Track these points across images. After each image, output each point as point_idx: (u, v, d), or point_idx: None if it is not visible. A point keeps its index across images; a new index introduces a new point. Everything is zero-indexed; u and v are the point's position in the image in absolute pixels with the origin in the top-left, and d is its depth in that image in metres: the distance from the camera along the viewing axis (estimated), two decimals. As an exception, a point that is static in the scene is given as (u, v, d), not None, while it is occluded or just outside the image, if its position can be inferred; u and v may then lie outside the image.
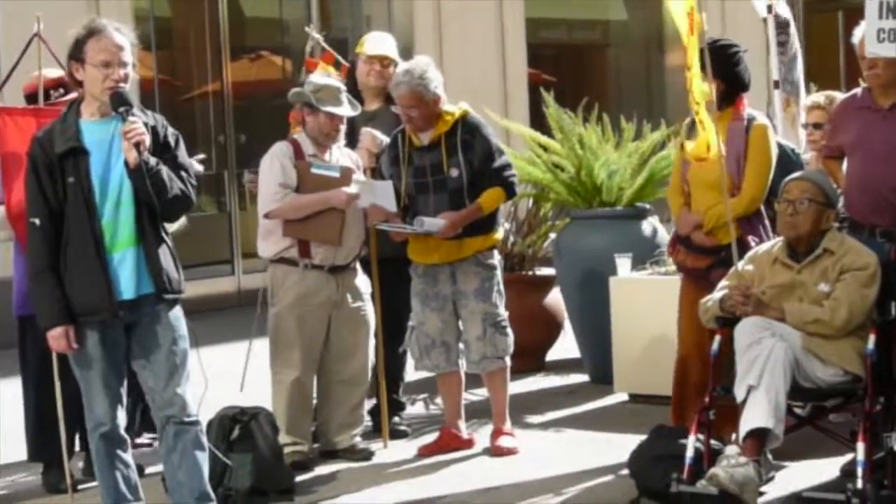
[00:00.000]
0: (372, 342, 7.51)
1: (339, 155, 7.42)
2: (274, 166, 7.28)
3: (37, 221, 5.49)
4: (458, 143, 7.26)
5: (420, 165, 7.31)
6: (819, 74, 17.27)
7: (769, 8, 7.84)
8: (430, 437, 7.71)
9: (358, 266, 7.45)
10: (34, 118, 6.81)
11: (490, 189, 7.26)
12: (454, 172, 7.25)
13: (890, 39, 6.35)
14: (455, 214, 7.19)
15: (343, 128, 7.38)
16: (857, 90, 6.90)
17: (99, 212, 5.44)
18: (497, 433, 7.50)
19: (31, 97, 7.21)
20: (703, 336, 6.65)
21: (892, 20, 6.33)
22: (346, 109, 7.34)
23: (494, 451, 7.41)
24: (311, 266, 7.25)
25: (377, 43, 8.02)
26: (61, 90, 7.06)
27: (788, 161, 7.18)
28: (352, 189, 7.21)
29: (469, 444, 7.56)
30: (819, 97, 7.79)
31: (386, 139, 7.70)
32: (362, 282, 7.44)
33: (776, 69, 8.02)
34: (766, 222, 6.88)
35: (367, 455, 7.42)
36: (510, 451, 7.39)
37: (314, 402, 7.49)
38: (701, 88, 6.53)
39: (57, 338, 5.50)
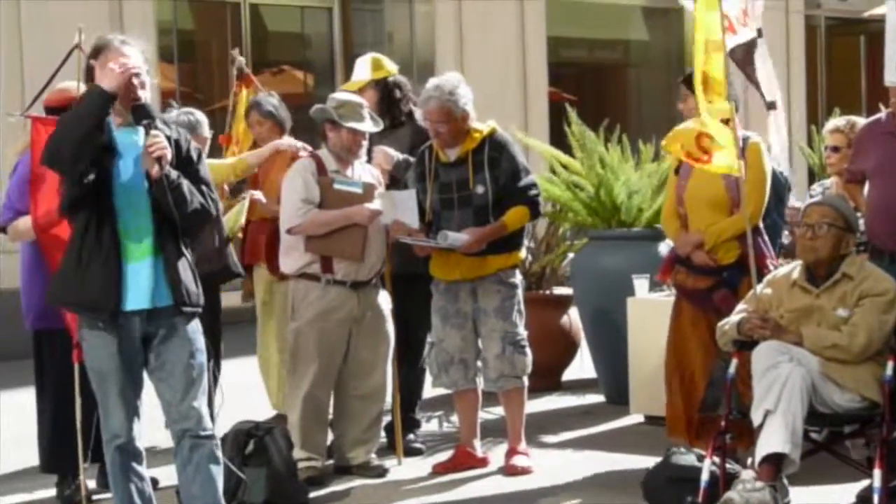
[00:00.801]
0: (390, 359, 7.52)
1: (362, 171, 7.43)
2: (296, 182, 7.29)
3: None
4: (485, 160, 7.26)
5: (446, 181, 7.32)
6: (840, 98, 17.30)
7: (759, 31, 7.82)
8: (444, 455, 7.70)
9: (380, 282, 7.45)
10: None
11: (515, 207, 7.26)
12: (480, 189, 7.25)
13: None
14: (479, 230, 7.18)
15: (365, 143, 7.39)
16: (881, 115, 6.91)
17: (120, 216, 5.45)
18: (512, 452, 7.49)
19: (51, 110, 7.22)
20: (697, 356, 6.70)
21: None
22: (367, 125, 7.35)
23: (509, 471, 7.39)
24: (333, 282, 7.25)
25: (355, 75, 8.11)
26: None
27: (778, 184, 7.24)
28: (374, 205, 7.22)
29: (484, 462, 7.55)
30: (840, 121, 7.80)
31: (398, 155, 7.71)
32: (384, 298, 7.45)
33: (768, 90, 8.00)
34: (766, 238, 6.92)
35: (381, 472, 7.41)
36: (524, 471, 7.37)
37: (329, 417, 7.49)
38: (724, 105, 6.56)
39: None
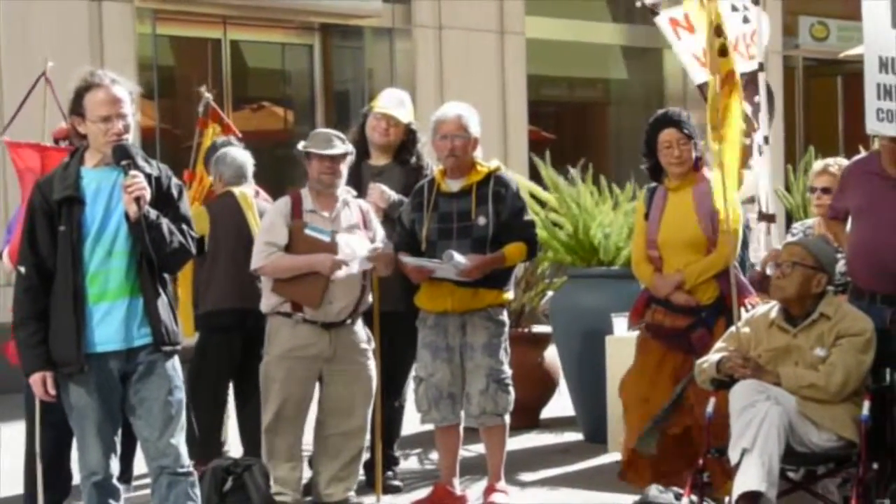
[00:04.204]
0: (372, 398, 7.51)
1: (347, 211, 7.37)
2: (266, 223, 7.39)
3: (22, 269, 5.56)
4: (490, 194, 7.30)
5: (446, 211, 7.34)
6: (818, 138, 17.41)
7: (761, 66, 7.93)
8: (423, 493, 7.68)
9: (359, 322, 7.43)
10: (38, 154, 6.88)
11: (515, 243, 7.29)
12: (481, 220, 7.27)
13: (889, 119, 6.57)
14: (480, 257, 7.19)
15: (341, 171, 7.32)
16: (865, 154, 7.00)
17: (87, 262, 5.48)
18: (490, 490, 7.48)
19: (56, 141, 7.28)
20: (662, 395, 6.78)
21: (889, 101, 6.56)
22: (334, 150, 7.29)
23: None
24: (303, 320, 7.26)
25: (389, 101, 8.04)
26: (68, 141, 7.11)
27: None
28: (339, 256, 7.18)
29: (462, 500, 7.53)
30: (830, 161, 7.84)
31: (394, 195, 7.72)
32: (361, 337, 7.43)
33: (765, 126, 8.09)
34: (742, 277, 6.97)
35: None
36: None
37: (304, 454, 7.47)
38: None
39: (36, 384, 5.54)
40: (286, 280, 7.24)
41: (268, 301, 7.36)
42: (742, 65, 7.56)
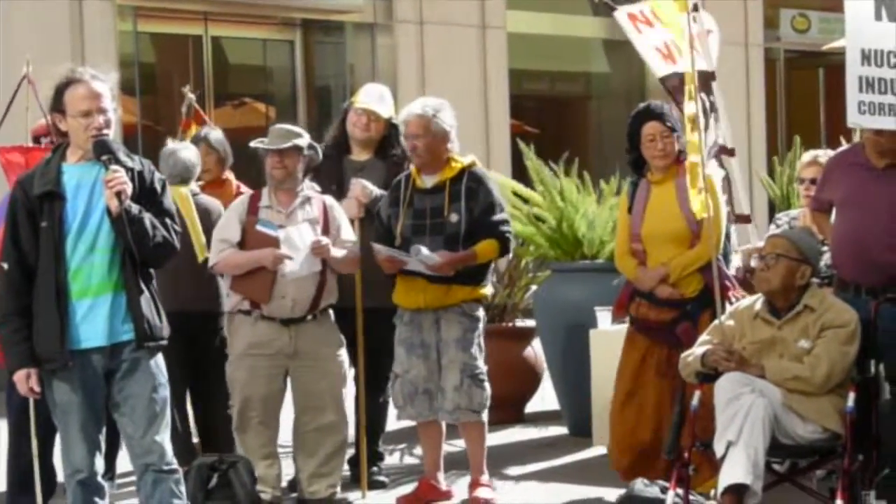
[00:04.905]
0: (348, 392, 7.49)
1: (307, 207, 7.31)
2: (222, 220, 7.43)
3: (5, 265, 5.53)
4: (463, 190, 7.27)
5: (420, 208, 7.32)
6: (800, 129, 17.42)
7: (712, 74, 7.91)
8: (408, 488, 7.68)
9: (327, 316, 7.37)
10: (23, 156, 6.86)
11: (487, 240, 7.26)
12: (454, 217, 7.26)
13: (870, 112, 6.57)
14: (450, 254, 7.17)
15: (291, 166, 7.25)
16: (849, 145, 7.00)
17: (69, 257, 5.46)
18: (475, 484, 7.47)
19: (36, 140, 7.25)
20: (650, 388, 6.84)
21: (871, 94, 6.54)
22: (280, 145, 7.23)
23: (472, 503, 7.38)
24: (262, 317, 7.25)
25: (370, 97, 8.01)
26: (50, 138, 7.07)
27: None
28: (282, 251, 7.14)
29: (447, 495, 7.53)
30: (818, 152, 7.86)
31: (376, 190, 7.70)
32: (326, 333, 7.38)
33: (727, 135, 8.07)
34: (727, 269, 6.98)
35: None
36: (487, 503, 7.36)
37: (285, 450, 7.46)
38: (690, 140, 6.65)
39: (20, 381, 5.52)
40: (239, 277, 7.25)
41: (229, 300, 7.39)
42: (699, 62, 7.49)
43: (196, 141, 8.47)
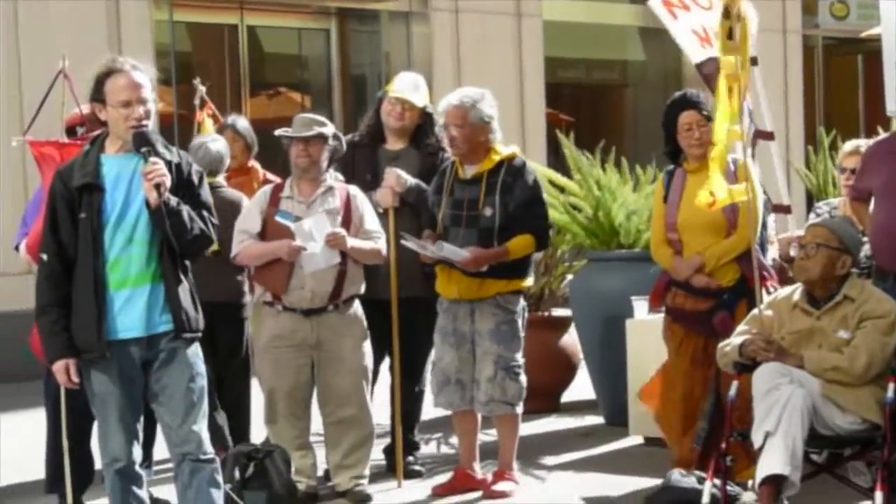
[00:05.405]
0: (383, 384, 7.48)
1: (329, 197, 7.27)
2: (244, 211, 7.43)
3: (44, 257, 5.56)
4: (499, 184, 7.24)
5: (459, 198, 7.31)
6: (838, 118, 17.34)
7: (754, 60, 7.83)
8: (444, 477, 7.67)
9: (351, 306, 7.32)
10: (58, 151, 6.88)
11: (521, 235, 7.22)
12: (488, 211, 7.23)
13: None
14: (481, 251, 7.15)
15: (316, 155, 7.22)
16: (888, 134, 6.94)
17: (107, 249, 5.48)
18: (498, 476, 7.45)
19: (70, 130, 7.28)
20: (690, 377, 6.84)
21: None
22: (305, 133, 7.20)
23: (486, 493, 7.36)
24: (284, 308, 7.25)
25: (404, 85, 7.98)
26: (85, 127, 7.09)
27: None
28: (296, 242, 7.12)
29: (483, 484, 7.51)
30: (860, 142, 7.79)
31: (411, 179, 7.68)
32: (350, 323, 7.32)
33: (766, 119, 8.00)
34: (763, 259, 6.92)
35: (364, 498, 7.30)
36: (502, 495, 7.33)
37: (309, 440, 7.47)
38: (731, 129, 6.58)
39: (59, 371, 5.54)
40: (260, 268, 7.27)
41: (255, 292, 7.42)
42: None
43: (223, 128, 8.52)
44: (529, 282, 7.55)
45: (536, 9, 16.65)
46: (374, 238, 7.30)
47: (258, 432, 7.90)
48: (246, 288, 7.69)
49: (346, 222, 7.26)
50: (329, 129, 7.32)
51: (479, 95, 7.33)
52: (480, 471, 7.60)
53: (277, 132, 7.35)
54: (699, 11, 7.63)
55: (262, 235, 7.26)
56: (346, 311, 7.31)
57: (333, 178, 7.42)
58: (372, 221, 7.35)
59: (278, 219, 7.23)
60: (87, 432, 6.87)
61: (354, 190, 7.44)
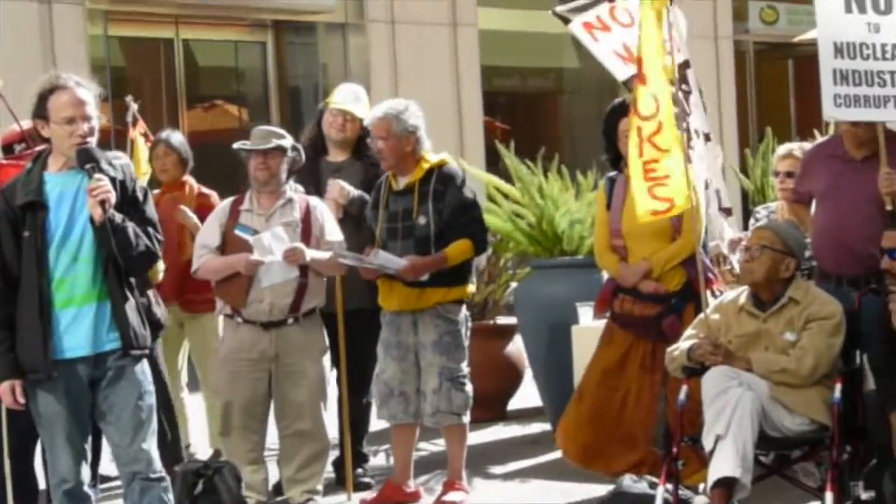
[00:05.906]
0: (330, 397, 7.45)
1: (288, 209, 7.26)
2: (204, 225, 7.45)
3: None
4: (430, 192, 7.24)
5: (394, 210, 7.30)
6: (770, 121, 17.47)
7: (686, 63, 7.86)
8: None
9: (311, 320, 7.31)
10: None
11: (458, 241, 7.22)
12: (422, 220, 7.23)
13: (846, 104, 6.59)
14: (418, 259, 7.15)
15: (275, 167, 7.21)
16: (828, 137, 7.01)
17: (52, 267, 5.43)
18: (448, 486, 7.44)
19: (6, 148, 7.19)
20: (634, 382, 6.91)
21: (846, 86, 6.56)
22: (263, 145, 7.20)
23: None
24: (244, 321, 7.23)
25: (345, 97, 7.98)
26: (24, 144, 7.02)
27: None
28: (254, 255, 7.11)
29: (414, 497, 7.49)
30: (793, 146, 7.86)
31: (354, 191, 7.67)
32: (309, 336, 7.32)
33: (703, 121, 8.05)
34: (708, 262, 6.97)
35: None
36: None
37: (262, 455, 7.44)
38: (674, 133, 6.60)
39: (5, 393, 5.48)
40: (220, 282, 7.26)
41: (217, 304, 7.41)
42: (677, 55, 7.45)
43: (156, 143, 8.49)
44: (471, 289, 7.54)
45: (472, 18, 16.70)
46: (335, 249, 7.29)
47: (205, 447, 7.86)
48: None
49: (307, 234, 7.25)
50: (287, 141, 7.31)
51: (402, 106, 7.32)
52: (413, 483, 7.55)
53: (235, 145, 7.31)
54: (620, 30, 7.63)
55: (223, 249, 7.23)
56: (307, 324, 7.29)
57: (293, 189, 7.39)
58: (333, 232, 7.35)
59: (237, 232, 7.20)
60: (30, 452, 6.79)
61: (315, 201, 7.43)
